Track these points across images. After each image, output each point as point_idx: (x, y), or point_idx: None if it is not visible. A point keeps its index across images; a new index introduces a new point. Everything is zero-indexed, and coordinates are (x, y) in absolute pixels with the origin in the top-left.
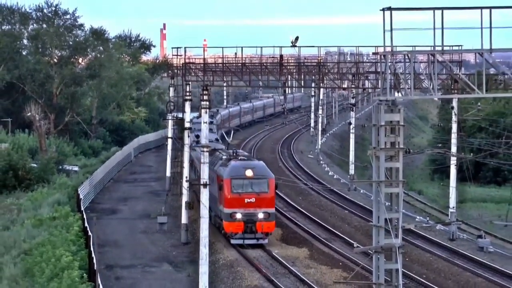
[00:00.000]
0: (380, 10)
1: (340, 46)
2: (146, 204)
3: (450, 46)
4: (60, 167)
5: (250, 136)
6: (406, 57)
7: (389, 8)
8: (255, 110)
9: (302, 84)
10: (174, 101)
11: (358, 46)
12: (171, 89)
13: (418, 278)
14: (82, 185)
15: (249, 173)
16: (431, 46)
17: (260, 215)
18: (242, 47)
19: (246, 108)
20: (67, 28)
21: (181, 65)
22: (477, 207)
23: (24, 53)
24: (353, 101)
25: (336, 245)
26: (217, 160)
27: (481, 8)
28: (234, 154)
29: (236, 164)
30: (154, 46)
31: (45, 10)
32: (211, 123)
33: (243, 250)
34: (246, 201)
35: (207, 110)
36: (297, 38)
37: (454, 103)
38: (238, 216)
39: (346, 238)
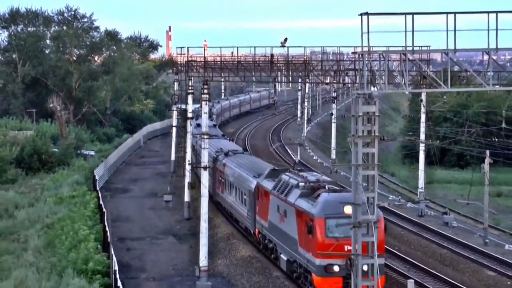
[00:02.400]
0: (359, 15)
1: (323, 46)
2: (154, 184)
3: (419, 46)
4: (78, 151)
5: (244, 125)
6: (381, 56)
7: (366, 13)
8: (232, 108)
9: (290, 79)
10: (178, 94)
11: (339, 46)
12: (176, 83)
13: (391, 249)
14: (98, 168)
15: (349, 210)
16: (403, 46)
17: (365, 267)
18: (237, 47)
19: (225, 105)
20: (84, 30)
21: (184, 62)
22: (442, 187)
23: (47, 51)
24: (334, 94)
25: None
26: (289, 187)
27: (447, 13)
28: (317, 180)
29: (329, 198)
30: (161, 46)
31: (65, 14)
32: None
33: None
34: (346, 249)
35: (207, 102)
36: (286, 39)
37: (423, 97)
38: (336, 269)
39: None
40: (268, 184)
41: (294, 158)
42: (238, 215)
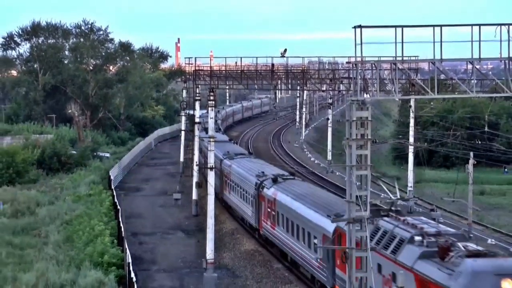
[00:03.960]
0: (352, 27)
1: (320, 57)
2: (164, 184)
3: (408, 56)
4: (95, 154)
5: (247, 129)
6: (373, 65)
7: (359, 26)
8: (227, 117)
9: (290, 87)
10: (187, 101)
11: (335, 57)
12: (184, 91)
13: None
14: (113, 168)
15: (508, 286)
16: (393, 56)
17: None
18: (241, 57)
19: (223, 114)
20: (100, 42)
21: (192, 71)
22: (430, 186)
23: (65, 62)
24: (330, 101)
25: None
26: (396, 240)
27: (434, 26)
28: (438, 233)
29: (478, 267)
30: (170, 57)
31: (82, 27)
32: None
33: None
34: None
35: (213, 108)
36: (285, 50)
37: (412, 103)
38: None
39: None
40: (358, 232)
41: (391, 196)
42: (300, 260)
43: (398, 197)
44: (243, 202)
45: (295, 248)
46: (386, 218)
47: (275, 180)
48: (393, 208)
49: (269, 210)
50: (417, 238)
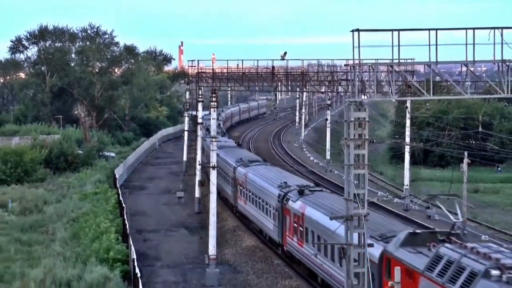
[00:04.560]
0: (350, 31)
1: (319, 59)
2: (168, 182)
3: (405, 59)
4: (101, 153)
5: (248, 130)
6: (371, 68)
7: (357, 30)
8: (226, 120)
9: (289, 89)
10: (190, 102)
11: (333, 59)
12: (187, 92)
13: None
14: (118, 168)
15: None
16: (390, 59)
17: None
18: (242, 60)
19: (222, 118)
20: (106, 45)
21: (195, 74)
22: (425, 185)
23: (72, 64)
24: (329, 102)
25: None
26: (466, 273)
27: (429, 29)
28: None
29: None
30: (174, 59)
31: (89, 31)
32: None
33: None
34: None
35: (215, 109)
36: (285, 53)
37: (408, 104)
38: None
39: None
40: (413, 259)
41: (452, 218)
42: (336, 284)
43: (461, 219)
44: (262, 214)
45: (329, 271)
46: (448, 245)
47: (301, 192)
48: (452, 232)
49: (295, 225)
50: (494, 272)
